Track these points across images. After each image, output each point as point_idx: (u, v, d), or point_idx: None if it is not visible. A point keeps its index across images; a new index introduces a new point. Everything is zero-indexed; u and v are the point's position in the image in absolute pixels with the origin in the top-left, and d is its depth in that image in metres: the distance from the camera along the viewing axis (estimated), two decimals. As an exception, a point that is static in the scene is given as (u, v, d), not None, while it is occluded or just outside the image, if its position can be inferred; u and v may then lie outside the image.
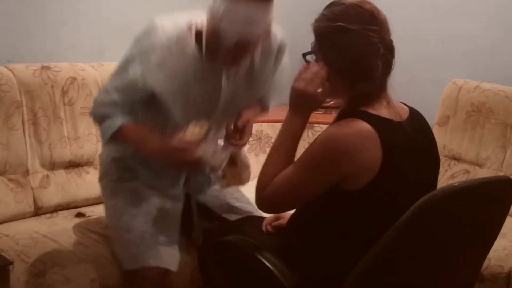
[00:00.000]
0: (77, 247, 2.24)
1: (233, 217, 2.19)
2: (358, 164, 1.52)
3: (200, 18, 1.92)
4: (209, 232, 2.11)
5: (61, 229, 2.38)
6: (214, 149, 1.95)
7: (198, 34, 1.93)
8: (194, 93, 2.01)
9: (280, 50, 2.16)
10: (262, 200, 1.65)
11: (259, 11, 1.82)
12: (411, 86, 3.44)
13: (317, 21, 1.62)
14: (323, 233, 1.64)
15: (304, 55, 1.68)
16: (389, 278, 1.52)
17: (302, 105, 1.65)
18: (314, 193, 1.59)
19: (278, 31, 2.09)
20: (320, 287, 1.63)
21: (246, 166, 2.09)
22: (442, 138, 3.09)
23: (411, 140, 1.60)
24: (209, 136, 1.94)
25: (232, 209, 2.24)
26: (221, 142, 2.11)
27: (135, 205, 2.15)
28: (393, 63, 1.61)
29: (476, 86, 3.02)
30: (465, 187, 1.49)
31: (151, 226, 2.11)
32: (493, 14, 3.18)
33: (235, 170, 2.07)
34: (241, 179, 2.10)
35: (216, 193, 2.27)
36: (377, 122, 1.55)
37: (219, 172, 2.08)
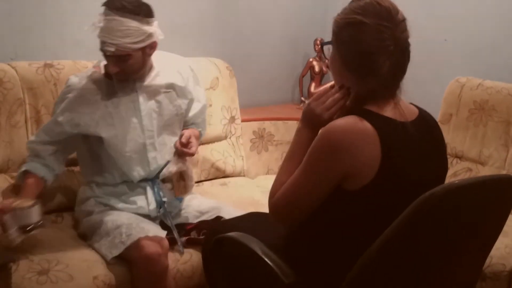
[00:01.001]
0: (80, 246, 2.26)
1: (205, 217, 2.38)
2: (355, 161, 1.52)
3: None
4: (211, 229, 2.12)
5: (65, 229, 2.40)
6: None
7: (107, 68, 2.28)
8: (117, 116, 2.30)
9: (194, 80, 2.54)
10: (272, 207, 1.68)
11: (117, 24, 2.15)
12: (413, 83, 3.41)
13: (337, 14, 1.65)
14: (323, 232, 1.65)
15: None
16: (388, 275, 1.52)
17: (313, 123, 1.71)
18: (318, 194, 1.59)
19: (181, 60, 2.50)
20: (319, 284, 1.63)
21: (191, 178, 2.40)
22: (445, 136, 3.01)
23: (414, 141, 1.60)
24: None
25: (202, 212, 2.41)
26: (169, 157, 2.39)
27: (115, 213, 2.32)
28: (406, 66, 1.62)
29: (479, 84, 3.02)
30: (465, 185, 1.48)
31: (135, 218, 2.28)
32: (495, 12, 3.18)
33: (183, 183, 2.38)
34: (187, 190, 2.40)
35: (182, 211, 2.46)
36: (379, 121, 1.56)
37: (169, 185, 2.43)
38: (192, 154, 2.37)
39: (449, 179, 2.93)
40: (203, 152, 3.03)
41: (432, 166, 1.67)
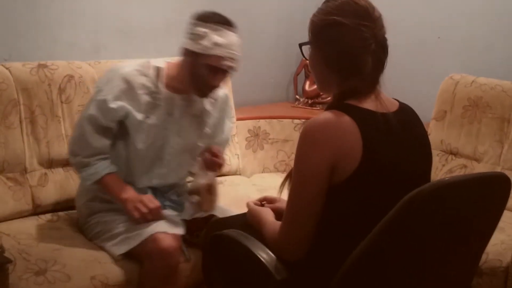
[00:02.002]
0: (78, 246, 2.25)
1: (198, 215, 2.34)
2: (337, 152, 1.53)
3: (156, 60, 2.28)
4: (210, 226, 2.13)
5: (62, 229, 2.40)
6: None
7: (156, 69, 2.26)
8: (151, 120, 2.26)
9: (226, 100, 2.50)
10: (280, 241, 1.65)
11: (235, 39, 2.21)
12: (407, 81, 3.45)
13: (313, 15, 1.66)
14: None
15: (301, 45, 1.71)
16: (378, 272, 1.52)
17: None
18: (317, 196, 1.58)
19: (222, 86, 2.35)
20: (311, 281, 1.63)
21: (218, 195, 2.37)
22: (439, 133, 3.10)
23: (396, 130, 1.61)
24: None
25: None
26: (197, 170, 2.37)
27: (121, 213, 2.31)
28: (386, 61, 1.63)
29: (473, 81, 3.03)
30: (454, 182, 1.49)
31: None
32: (489, 9, 3.19)
33: (209, 197, 2.34)
34: (212, 206, 2.35)
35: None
36: (358, 113, 1.57)
37: (196, 197, 2.36)
38: (222, 164, 2.38)
39: (445, 175, 2.98)
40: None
41: (416, 156, 1.68)
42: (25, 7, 2.69)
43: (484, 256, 2.31)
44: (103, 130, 2.24)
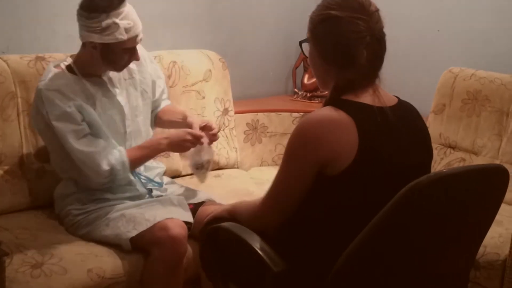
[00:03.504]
0: (74, 239, 2.25)
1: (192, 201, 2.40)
2: (331, 149, 1.56)
3: (60, 61, 2.30)
4: (208, 220, 2.14)
5: (59, 223, 2.39)
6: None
7: (67, 67, 2.28)
8: (98, 110, 2.27)
9: (148, 60, 2.54)
10: (260, 211, 1.75)
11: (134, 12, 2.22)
12: (407, 74, 3.44)
13: (312, 12, 1.71)
14: (309, 219, 1.66)
15: (301, 42, 1.78)
16: (376, 264, 1.52)
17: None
18: (301, 187, 1.63)
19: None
20: (308, 273, 1.64)
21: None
22: (438, 126, 3.09)
23: (394, 124, 1.63)
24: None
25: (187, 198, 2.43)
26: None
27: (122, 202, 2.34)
28: (383, 55, 1.66)
29: (472, 74, 3.02)
30: (451, 174, 1.49)
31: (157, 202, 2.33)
32: (489, 2, 3.18)
33: (207, 172, 2.44)
34: (206, 178, 2.47)
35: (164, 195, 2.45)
36: (354, 108, 1.60)
37: (199, 173, 2.43)
38: (217, 133, 2.40)
39: (443, 169, 2.96)
40: (197, 144, 3.02)
41: (415, 150, 1.69)
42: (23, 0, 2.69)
43: (481, 250, 2.31)
44: (85, 136, 2.22)
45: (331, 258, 1.55)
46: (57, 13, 2.79)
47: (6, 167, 2.44)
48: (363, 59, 1.60)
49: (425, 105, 3.19)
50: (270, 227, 1.73)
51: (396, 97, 1.75)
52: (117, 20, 2.14)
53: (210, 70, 3.07)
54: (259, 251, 1.64)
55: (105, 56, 2.22)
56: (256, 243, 1.67)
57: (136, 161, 2.31)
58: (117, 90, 2.35)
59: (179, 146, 2.32)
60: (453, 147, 3.06)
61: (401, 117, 1.66)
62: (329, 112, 1.60)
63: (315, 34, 1.69)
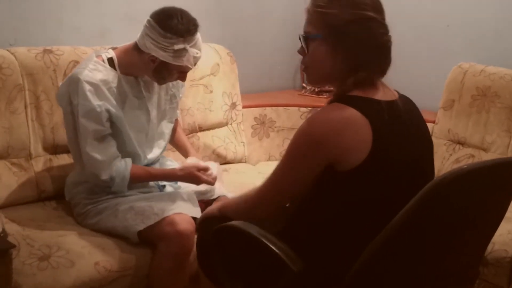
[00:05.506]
0: (81, 232, 2.26)
1: (205, 197, 2.42)
2: (342, 150, 1.53)
3: (103, 51, 2.32)
4: (207, 219, 2.12)
5: (66, 215, 2.40)
6: None
7: (108, 60, 2.28)
8: (126, 110, 2.30)
9: None
10: (252, 204, 1.75)
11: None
12: (416, 69, 3.42)
13: (326, 6, 1.62)
14: (323, 217, 1.64)
15: (306, 37, 1.69)
16: (395, 262, 1.52)
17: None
18: (300, 185, 1.62)
19: None
20: (326, 271, 1.62)
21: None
22: (447, 122, 3.07)
23: (401, 118, 1.63)
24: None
25: (201, 193, 2.43)
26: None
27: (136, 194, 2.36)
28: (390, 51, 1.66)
29: (482, 70, 3.00)
30: (474, 169, 1.48)
31: (168, 195, 2.35)
32: (499, -3, 3.16)
33: None
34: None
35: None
36: (365, 104, 1.57)
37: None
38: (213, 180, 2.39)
39: (451, 165, 2.96)
40: (204, 138, 3.02)
41: (420, 143, 1.69)
42: (31, -8, 2.69)
43: (490, 246, 2.30)
44: (104, 138, 2.24)
45: (348, 255, 1.54)
46: (64, 6, 2.79)
47: (13, 160, 2.44)
48: (388, 59, 1.62)
49: (434, 101, 3.18)
50: (257, 219, 1.72)
51: (396, 91, 1.74)
52: (188, 47, 2.19)
53: (218, 64, 3.06)
54: (277, 250, 1.60)
55: (159, 71, 2.25)
56: (272, 242, 1.63)
57: (139, 180, 2.34)
58: (148, 94, 2.37)
59: (191, 180, 2.36)
60: (462, 143, 3.04)
61: (406, 111, 1.66)
62: (339, 110, 1.56)
63: (340, 32, 1.60)
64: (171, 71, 2.26)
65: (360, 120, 1.54)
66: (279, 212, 1.74)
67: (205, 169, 2.36)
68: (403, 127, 1.62)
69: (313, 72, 1.71)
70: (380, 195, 1.56)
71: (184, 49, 2.19)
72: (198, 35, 2.24)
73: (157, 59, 2.21)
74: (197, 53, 2.23)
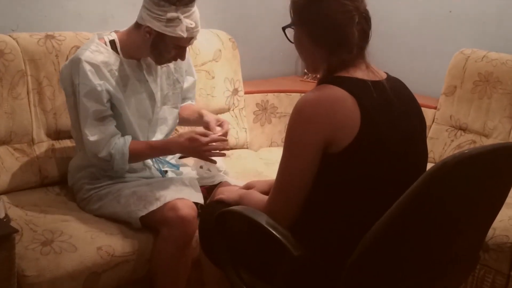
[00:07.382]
0: (84, 217, 2.27)
1: (206, 182, 2.42)
2: (334, 127, 1.57)
3: (105, 33, 2.33)
4: (209, 204, 2.15)
5: (69, 200, 2.41)
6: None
7: (110, 43, 2.29)
8: (128, 92, 2.29)
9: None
10: (269, 205, 1.71)
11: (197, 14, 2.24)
12: (418, 55, 3.42)
13: None
14: (320, 201, 1.66)
15: (284, 28, 1.77)
16: (396, 247, 1.53)
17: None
18: (309, 170, 1.62)
19: None
20: (327, 255, 1.63)
21: None
22: (449, 108, 3.07)
23: (389, 97, 1.65)
24: None
25: (203, 177, 2.45)
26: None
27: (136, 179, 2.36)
28: (370, 32, 1.68)
29: (484, 56, 3.00)
30: (476, 154, 1.48)
31: (169, 180, 2.33)
32: (502, -17, 3.14)
33: None
34: None
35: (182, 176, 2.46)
36: (351, 84, 1.61)
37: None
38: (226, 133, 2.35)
39: (453, 151, 2.96)
40: (206, 124, 3.02)
41: (411, 120, 1.71)
42: (33, -23, 2.68)
43: (491, 232, 2.31)
44: (104, 118, 2.24)
45: (347, 238, 1.56)
46: (67, -9, 2.79)
47: (16, 145, 2.45)
48: (354, 38, 1.63)
49: (436, 87, 3.18)
50: (280, 223, 1.67)
51: (385, 72, 1.76)
52: (182, 17, 2.17)
53: (220, 50, 3.06)
54: (277, 235, 1.61)
55: (155, 44, 2.23)
56: (273, 227, 1.64)
57: (138, 156, 2.31)
58: (151, 77, 2.36)
59: (193, 153, 2.30)
60: (463, 129, 3.04)
61: (393, 89, 1.69)
62: (326, 89, 1.61)
63: (302, 18, 1.68)
64: (167, 45, 2.22)
65: (347, 98, 1.58)
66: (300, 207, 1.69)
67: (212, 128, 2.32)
68: (391, 106, 1.65)
69: (303, 60, 1.78)
70: (373, 174, 1.59)
71: (178, 18, 2.16)
72: (194, 9, 2.22)
73: (152, 31, 2.19)
74: (191, 24, 2.19)
